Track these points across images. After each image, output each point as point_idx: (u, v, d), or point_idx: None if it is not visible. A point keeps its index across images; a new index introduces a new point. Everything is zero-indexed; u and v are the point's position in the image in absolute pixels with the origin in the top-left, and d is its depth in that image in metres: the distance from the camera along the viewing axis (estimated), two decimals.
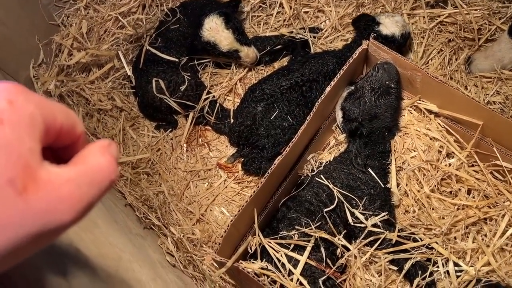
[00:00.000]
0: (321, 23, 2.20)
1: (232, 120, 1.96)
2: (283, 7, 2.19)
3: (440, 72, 1.99)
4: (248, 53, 1.96)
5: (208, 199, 1.91)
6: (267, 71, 2.13)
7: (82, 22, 1.84)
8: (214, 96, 2.00)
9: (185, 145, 2.02)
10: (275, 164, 1.34)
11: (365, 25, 1.86)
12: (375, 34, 1.70)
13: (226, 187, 1.94)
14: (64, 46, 1.81)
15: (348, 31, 2.14)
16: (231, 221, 1.28)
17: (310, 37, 2.08)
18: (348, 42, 2.01)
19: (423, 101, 1.56)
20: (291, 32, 2.10)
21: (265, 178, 1.33)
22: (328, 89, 1.43)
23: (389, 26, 1.71)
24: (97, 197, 0.50)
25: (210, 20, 1.88)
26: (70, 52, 1.83)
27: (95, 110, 1.88)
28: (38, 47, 1.78)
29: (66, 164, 0.50)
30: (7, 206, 0.42)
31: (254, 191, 1.31)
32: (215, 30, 1.87)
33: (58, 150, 0.56)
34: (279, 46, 2.10)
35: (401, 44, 1.81)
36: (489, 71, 1.97)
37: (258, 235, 1.39)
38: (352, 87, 1.59)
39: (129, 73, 1.97)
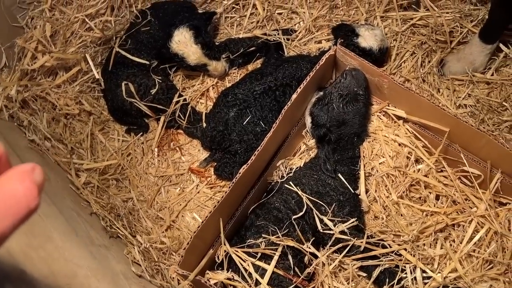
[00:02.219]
0: (295, 25, 2.17)
1: (204, 124, 1.93)
2: (256, 9, 2.16)
3: (413, 75, 1.98)
4: (217, 67, 1.95)
5: (180, 205, 1.88)
6: (240, 74, 2.10)
7: (46, 25, 1.78)
8: (185, 100, 1.97)
9: (156, 149, 1.98)
10: (240, 174, 1.31)
11: (344, 35, 1.84)
12: (353, 46, 1.69)
13: (198, 192, 1.92)
14: (28, 50, 1.75)
15: (322, 33, 2.12)
16: (194, 232, 1.25)
17: (284, 39, 2.06)
18: (323, 47, 1.99)
19: (391, 106, 1.55)
20: (265, 34, 2.07)
21: (229, 188, 1.30)
22: (294, 96, 1.41)
23: (368, 39, 1.70)
24: (10, 228, 0.47)
25: (179, 33, 1.85)
26: (34, 56, 1.77)
27: (62, 115, 1.83)
28: (0, 50, 1.72)
29: None
30: None
31: (218, 201, 1.29)
32: (183, 43, 1.85)
33: None
34: (252, 48, 2.07)
35: (377, 58, 1.80)
36: (461, 73, 1.98)
37: (224, 244, 1.37)
38: (321, 93, 1.57)
39: (98, 76, 1.92)
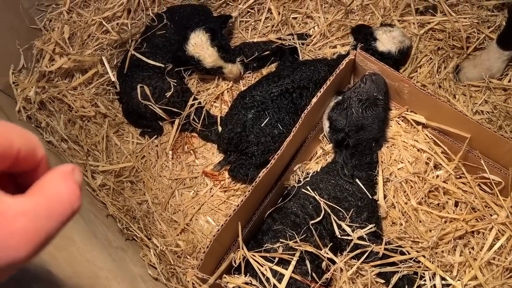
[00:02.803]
0: (309, 29, 2.17)
1: (219, 128, 1.92)
2: (271, 13, 2.16)
3: (429, 80, 1.97)
4: (232, 70, 1.94)
5: (194, 208, 1.87)
6: (255, 77, 2.10)
7: (64, 27, 1.78)
8: (200, 103, 1.97)
9: (170, 152, 1.98)
10: (259, 177, 1.31)
11: (363, 39, 1.83)
12: (371, 50, 1.68)
13: (212, 196, 1.91)
14: (46, 51, 1.76)
15: (337, 37, 2.12)
16: (214, 236, 1.24)
17: (299, 43, 2.06)
18: (338, 51, 1.99)
19: (411, 112, 1.54)
20: (279, 38, 2.07)
21: (249, 191, 1.30)
22: (314, 100, 1.40)
23: (386, 42, 1.69)
24: (57, 229, 0.47)
25: (195, 36, 1.85)
26: (52, 58, 1.78)
27: (78, 117, 1.84)
28: (18, 52, 1.73)
29: (23, 194, 0.46)
30: None
31: (238, 205, 1.28)
32: (200, 46, 1.85)
33: (17, 176, 0.52)
34: (267, 52, 2.07)
35: (398, 59, 1.79)
36: (477, 80, 1.96)
37: (242, 249, 1.36)
38: (340, 97, 1.57)
39: (113, 78, 1.93)
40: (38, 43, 1.77)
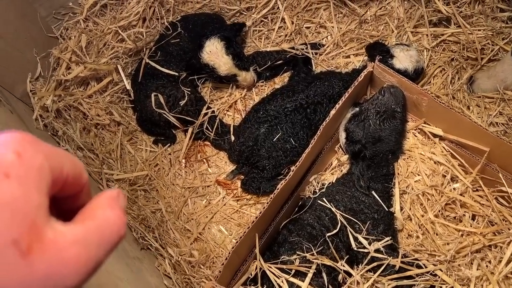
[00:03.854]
0: (322, 39, 2.18)
1: (232, 137, 1.93)
2: (285, 22, 2.17)
3: (443, 92, 1.97)
4: (246, 77, 1.95)
5: (206, 217, 1.87)
6: (268, 87, 2.11)
7: (81, 36, 1.80)
8: (213, 112, 1.97)
9: (183, 160, 1.98)
10: (278, 189, 1.30)
11: (379, 55, 1.83)
12: (388, 67, 1.68)
13: (224, 205, 1.91)
14: (63, 60, 1.77)
15: (350, 47, 2.12)
16: (233, 248, 1.24)
17: (312, 53, 2.06)
18: (351, 62, 1.99)
19: (428, 124, 1.54)
20: (293, 48, 2.08)
21: (267, 203, 1.29)
22: (333, 112, 1.40)
23: (403, 60, 1.68)
24: (106, 256, 0.47)
25: (211, 44, 1.86)
26: (69, 66, 1.79)
27: (93, 125, 1.84)
28: (35, 60, 1.75)
29: (73, 221, 0.46)
30: (10, 269, 0.39)
31: (256, 217, 1.28)
32: (215, 54, 1.85)
33: (60, 201, 0.53)
34: (280, 62, 2.08)
35: (413, 79, 1.79)
36: (491, 91, 1.96)
37: (259, 260, 1.36)
38: (357, 109, 1.57)
39: (128, 87, 1.94)
40: (55, 51, 1.78)
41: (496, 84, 1.94)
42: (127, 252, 1.36)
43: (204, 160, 2.00)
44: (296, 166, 1.34)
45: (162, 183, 1.92)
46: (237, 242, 1.25)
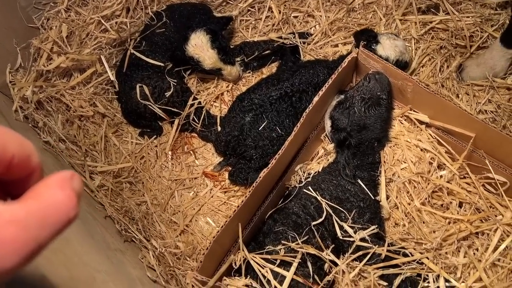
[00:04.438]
0: (310, 28, 2.15)
1: (219, 128, 1.90)
2: (272, 12, 2.13)
3: (432, 80, 1.95)
4: (231, 72, 1.93)
5: (193, 209, 1.85)
6: (255, 77, 2.08)
7: (62, 26, 1.76)
8: (200, 103, 1.95)
9: (170, 152, 1.95)
10: (260, 177, 1.28)
11: (365, 40, 1.80)
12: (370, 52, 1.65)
13: (212, 196, 1.89)
14: (43, 50, 1.74)
15: (338, 36, 2.09)
16: (214, 237, 1.22)
17: (300, 42, 2.04)
18: (339, 51, 1.96)
19: (414, 111, 1.51)
20: (280, 37, 2.05)
21: (249, 192, 1.27)
22: (316, 98, 1.38)
23: (387, 48, 1.65)
24: (50, 238, 0.44)
25: (196, 37, 1.83)
26: (50, 57, 1.76)
27: (76, 117, 1.81)
28: (15, 51, 1.71)
29: (15, 201, 0.44)
30: None
31: (238, 206, 1.26)
32: (200, 47, 1.83)
33: (7, 185, 0.50)
34: (267, 52, 2.05)
35: None
36: (481, 79, 1.94)
37: (243, 250, 1.34)
38: (342, 96, 1.54)
39: (112, 78, 1.90)
40: (35, 42, 1.74)
41: (485, 71, 1.92)
42: (109, 244, 1.34)
43: (191, 152, 1.98)
44: (279, 154, 1.31)
45: (148, 175, 1.90)
46: (218, 232, 1.22)
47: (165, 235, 1.71)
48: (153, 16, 1.97)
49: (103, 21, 1.86)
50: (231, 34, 2.17)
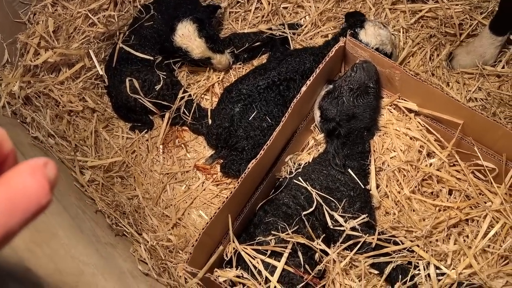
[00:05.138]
0: (300, 19, 2.14)
1: (210, 121, 1.89)
2: (261, 3, 2.12)
3: (422, 68, 1.95)
4: (221, 60, 1.92)
5: (186, 202, 1.85)
6: (246, 69, 2.07)
7: (49, 20, 1.75)
8: (190, 96, 1.94)
9: (161, 146, 1.95)
10: (249, 169, 1.28)
11: (352, 23, 1.79)
12: (352, 36, 1.64)
13: (204, 189, 1.88)
14: (30, 45, 1.72)
15: (328, 27, 2.08)
16: (203, 229, 1.22)
17: (290, 33, 2.03)
18: (328, 38, 1.96)
19: (402, 99, 1.51)
20: (270, 29, 2.04)
21: (238, 183, 1.27)
22: (304, 88, 1.37)
23: (369, 34, 1.63)
24: (19, 226, 0.43)
25: (183, 26, 1.81)
26: (37, 52, 1.74)
27: (65, 112, 1.80)
28: (2, 46, 1.70)
29: None
30: None
31: (227, 197, 1.26)
32: (187, 37, 1.81)
33: None
34: (257, 43, 2.04)
35: None
36: (471, 66, 1.94)
37: (233, 241, 1.34)
38: (331, 86, 1.54)
39: (101, 72, 1.89)
40: (22, 37, 1.73)
41: (475, 59, 1.92)
42: (99, 238, 1.34)
43: (182, 145, 1.97)
44: (267, 145, 1.31)
45: (140, 170, 1.89)
46: (207, 223, 1.22)
47: (157, 228, 1.71)
48: (141, 9, 1.96)
49: (90, 15, 1.85)
50: (220, 26, 2.16)
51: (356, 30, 1.66)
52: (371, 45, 1.58)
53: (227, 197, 1.26)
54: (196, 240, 1.20)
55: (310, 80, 1.37)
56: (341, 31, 1.86)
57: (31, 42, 1.72)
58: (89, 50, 1.86)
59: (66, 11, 1.85)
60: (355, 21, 1.77)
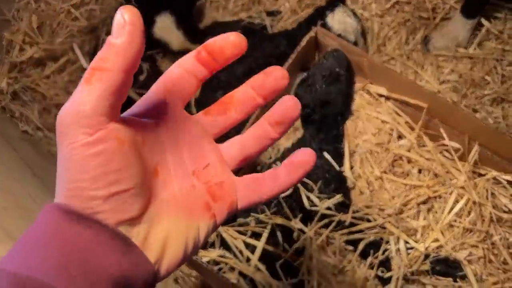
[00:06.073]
0: (280, 6, 2.19)
1: (194, 110, 1.96)
2: None
3: (398, 52, 2.01)
4: None
5: None
6: None
7: (32, 17, 1.79)
8: None
9: None
10: None
11: (326, 5, 1.84)
12: (320, 18, 1.69)
13: None
14: (15, 42, 1.78)
15: (307, 12, 2.13)
16: None
17: (269, 20, 2.08)
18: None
19: (373, 85, 1.58)
20: (250, 17, 2.09)
21: None
22: None
23: (335, 20, 1.66)
24: None
25: (161, 19, 1.86)
26: (22, 48, 1.80)
27: (53, 105, 1.86)
28: None
29: None
30: None
31: None
32: (166, 29, 1.86)
33: None
34: (238, 31, 2.08)
35: None
36: (445, 49, 2.01)
37: None
38: (305, 74, 1.61)
39: (85, 65, 1.95)
40: (7, 34, 1.78)
41: (448, 42, 1.98)
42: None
43: None
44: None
45: None
46: None
47: None
48: (123, 1, 2.00)
49: (72, 10, 1.89)
50: (201, 15, 2.20)
51: (326, 13, 1.70)
52: (333, 30, 1.63)
53: None
54: None
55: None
56: (314, 12, 1.91)
57: (16, 38, 1.77)
58: (73, 44, 1.91)
59: (49, 7, 1.89)
60: (330, 3, 1.82)
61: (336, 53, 1.50)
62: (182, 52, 1.98)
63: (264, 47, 1.83)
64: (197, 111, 1.80)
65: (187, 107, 1.83)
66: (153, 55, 2.07)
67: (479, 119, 1.36)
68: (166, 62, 2.12)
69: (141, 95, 1.80)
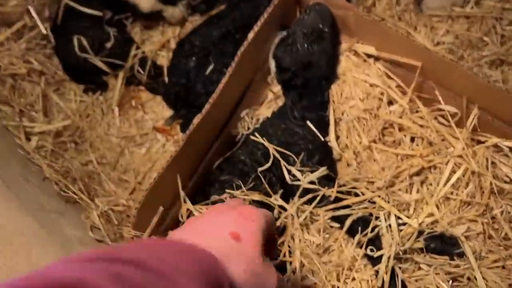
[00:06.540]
0: None
1: (167, 79, 1.79)
2: None
3: (388, 13, 1.84)
4: (173, 13, 1.79)
5: (146, 166, 1.77)
6: None
7: None
8: (144, 52, 1.83)
9: (116, 108, 1.85)
10: (193, 124, 1.20)
11: None
12: None
13: (165, 151, 1.81)
14: None
15: None
16: (147, 190, 1.15)
17: None
18: None
19: (361, 44, 1.42)
20: None
21: (183, 140, 1.19)
22: (251, 35, 1.27)
23: None
24: None
25: None
26: None
27: (8, 75, 1.68)
28: None
29: None
30: None
31: (171, 156, 1.18)
32: None
33: None
34: None
35: None
36: (440, 9, 1.84)
37: (184, 202, 1.28)
38: (284, 32, 1.43)
39: (44, 31, 1.76)
40: None
41: (443, 1, 1.82)
42: (42, 206, 1.26)
43: (139, 106, 1.88)
44: (213, 97, 1.22)
45: (95, 134, 1.80)
46: (151, 185, 1.15)
47: (114, 194, 1.64)
48: None
49: None
50: None
51: None
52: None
53: (171, 156, 1.18)
54: (139, 202, 1.14)
55: (257, 25, 1.26)
56: None
57: None
58: (29, 7, 1.72)
59: None
60: None
61: (318, 7, 1.32)
62: (154, 14, 1.81)
63: (242, 8, 1.67)
64: (169, 79, 1.65)
65: (159, 75, 1.67)
66: (121, 20, 1.89)
67: (480, 77, 1.20)
68: (136, 27, 1.94)
69: (107, 63, 1.65)
